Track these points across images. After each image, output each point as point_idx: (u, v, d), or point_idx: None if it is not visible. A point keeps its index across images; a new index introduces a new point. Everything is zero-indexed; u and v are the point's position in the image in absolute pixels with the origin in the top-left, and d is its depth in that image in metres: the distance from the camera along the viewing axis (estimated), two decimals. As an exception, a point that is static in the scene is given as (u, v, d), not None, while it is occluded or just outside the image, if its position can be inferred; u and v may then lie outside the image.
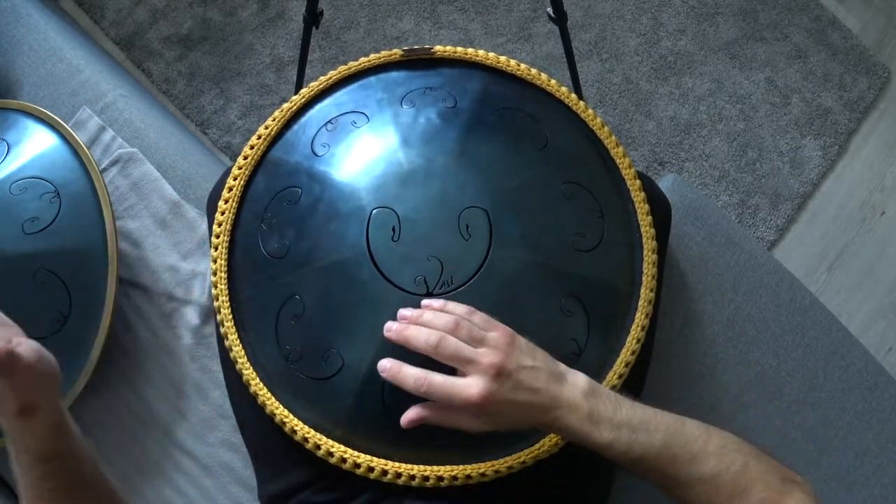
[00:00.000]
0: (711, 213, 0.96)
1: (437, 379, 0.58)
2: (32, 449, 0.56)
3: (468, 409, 0.57)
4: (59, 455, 0.58)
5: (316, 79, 0.79)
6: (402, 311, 0.63)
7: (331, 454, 0.67)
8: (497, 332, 0.59)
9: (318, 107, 0.78)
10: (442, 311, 0.62)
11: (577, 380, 0.59)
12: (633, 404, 0.60)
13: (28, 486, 0.57)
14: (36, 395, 0.58)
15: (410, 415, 0.60)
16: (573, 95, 0.78)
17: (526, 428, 0.60)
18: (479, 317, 0.62)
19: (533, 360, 0.59)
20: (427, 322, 0.60)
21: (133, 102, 1.05)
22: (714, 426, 0.60)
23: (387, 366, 0.60)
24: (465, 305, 0.63)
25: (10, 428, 0.57)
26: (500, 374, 0.57)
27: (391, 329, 0.61)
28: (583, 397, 0.58)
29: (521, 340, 0.60)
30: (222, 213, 0.75)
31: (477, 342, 0.59)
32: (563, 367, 0.61)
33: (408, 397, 0.66)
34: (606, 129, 0.77)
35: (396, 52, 0.78)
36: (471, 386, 0.56)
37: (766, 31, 1.61)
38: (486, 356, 0.57)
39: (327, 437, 0.68)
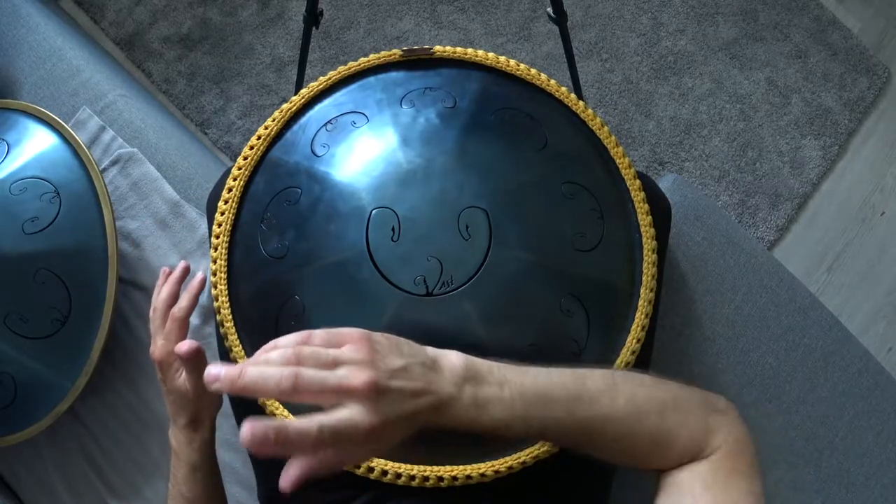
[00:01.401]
0: (711, 213, 0.96)
1: (308, 373, 0.45)
2: (188, 459, 0.70)
3: (367, 438, 0.46)
4: (206, 468, 0.72)
5: (316, 79, 0.79)
6: (211, 370, 0.45)
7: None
8: (349, 344, 0.48)
9: (318, 107, 0.78)
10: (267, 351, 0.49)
11: (452, 362, 0.51)
12: (521, 372, 0.52)
13: (179, 483, 0.71)
14: (205, 410, 0.72)
15: (290, 477, 0.48)
16: (573, 95, 0.78)
17: (413, 433, 0.50)
18: (317, 336, 0.49)
19: (401, 357, 0.49)
20: (258, 363, 0.46)
21: (133, 102, 1.05)
22: (620, 371, 0.53)
23: (217, 373, 0.44)
24: (294, 334, 0.49)
25: (178, 439, 0.71)
26: (378, 389, 0.46)
27: (217, 378, 0.44)
28: (463, 381, 0.50)
29: (377, 337, 0.49)
30: (222, 214, 0.75)
31: (331, 366, 0.47)
32: (430, 350, 0.52)
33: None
34: (606, 129, 0.77)
35: (396, 53, 0.78)
36: (360, 418, 0.45)
37: (766, 31, 1.61)
38: (355, 377, 0.46)
39: (327, 437, 0.68)
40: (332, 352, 0.47)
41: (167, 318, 0.75)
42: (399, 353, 0.49)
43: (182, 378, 0.72)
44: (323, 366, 0.46)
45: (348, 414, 0.45)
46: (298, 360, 0.46)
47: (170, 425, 0.74)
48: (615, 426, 0.52)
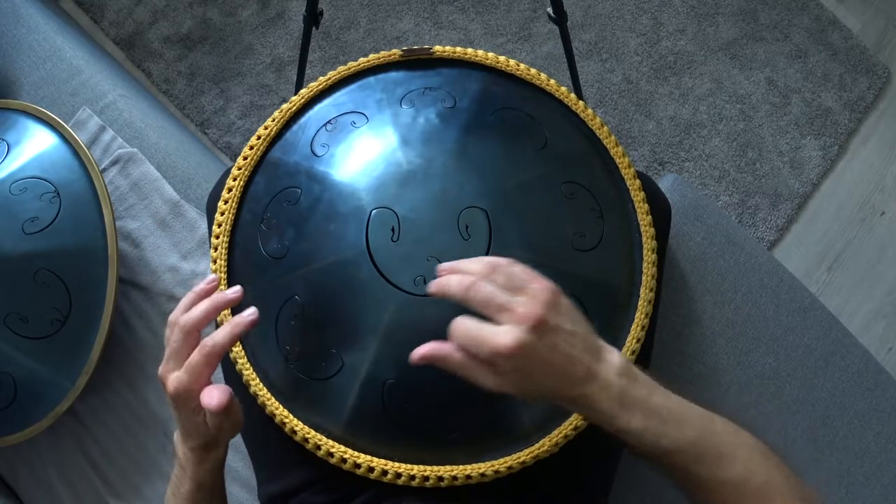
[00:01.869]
0: (711, 213, 0.96)
1: (468, 321, 0.51)
2: (196, 476, 0.63)
3: (495, 360, 0.50)
4: (214, 486, 0.65)
5: (316, 79, 0.79)
6: (441, 265, 0.56)
7: (331, 454, 0.67)
8: (539, 285, 0.52)
9: (318, 107, 0.78)
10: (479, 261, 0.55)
11: (613, 357, 0.53)
12: (666, 392, 0.53)
13: (182, 497, 0.64)
14: (224, 435, 0.62)
15: (423, 350, 0.53)
16: (573, 95, 0.78)
17: (543, 400, 0.53)
18: (520, 268, 0.53)
19: (573, 325, 0.52)
20: (462, 269, 0.54)
21: (133, 102, 1.05)
22: (742, 428, 0.55)
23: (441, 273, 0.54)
24: (506, 258, 0.55)
25: (186, 456, 0.63)
26: (537, 327, 0.49)
27: (431, 285, 0.54)
28: (617, 376, 0.51)
29: (565, 300, 0.52)
30: (222, 214, 0.75)
31: (516, 291, 0.51)
32: (599, 340, 0.54)
33: (407, 398, 0.66)
34: (606, 129, 0.77)
35: (396, 53, 0.78)
36: (502, 334, 0.49)
37: (766, 31, 1.61)
38: (524, 305, 0.50)
39: (327, 437, 0.68)
40: (522, 282, 0.52)
41: (191, 342, 0.59)
42: (574, 321, 0.52)
43: (202, 416, 0.59)
44: (508, 287, 0.51)
45: (499, 328, 0.50)
46: (491, 273, 0.52)
47: (176, 435, 0.64)
48: (729, 471, 0.52)
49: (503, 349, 0.49)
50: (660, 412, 0.52)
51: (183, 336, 0.58)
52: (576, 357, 0.51)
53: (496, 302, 0.51)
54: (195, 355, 0.57)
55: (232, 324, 0.59)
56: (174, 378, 0.57)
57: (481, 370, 0.51)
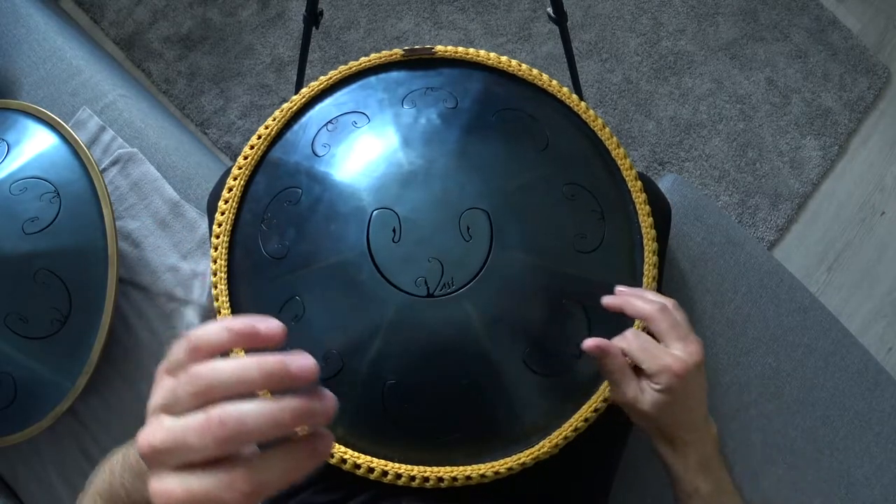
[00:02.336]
0: (711, 213, 0.96)
1: (644, 335, 0.58)
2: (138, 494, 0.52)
3: (658, 374, 0.55)
4: None
5: (316, 79, 0.79)
6: (621, 288, 0.63)
7: (331, 455, 0.67)
8: (697, 340, 0.58)
9: (319, 107, 0.78)
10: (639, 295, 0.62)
11: (712, 425, 0.61)
12: (725, 471, 0.60)
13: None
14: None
15: (596, 342, 0.58)
16: (574, 96, 0.78)
17: (658, 428, 0.59)
18: (683, 315, 0.60)
19: (704, 383, 0.59)
20: (646, 296, 0.61)
21: (133, 102, 1.05)
22: None
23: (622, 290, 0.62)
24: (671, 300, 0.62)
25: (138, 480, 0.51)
26: (699, 364, 0.56)
27: (614, 298, 0.62)
28: (713, 438, 0.59)
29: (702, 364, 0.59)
30: (222, 214, 0.75)
31: (675, 339, 0.57)
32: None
33: (408, 398, 0.66)
34: (607, 130, 0.77)
35: (397, 52, 0.78)
36: (677, 355, 0.55)
37: (766, 31, 1.61)
38: (695, 343, 0.57)
39: (327, 437, 0.68)
40: (687, 329, 0.58)
41: (210, 395, 0.35)
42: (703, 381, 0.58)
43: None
44: (672, 330, 0.57)
45: (676, 353, 0.56)
46: (672, 310, 0.58)
47: (130, 452, 0.52)
48: None
49: (675, 367, 0.55)
50: (718, 486, 0.59)
51: (203, 386, 0.35)
52: (704, 405, 0.59)
53: (681, 330, 0.57)
54: (233, 429, 0.34)
55: (316, 408, 0.36)
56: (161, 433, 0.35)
57: (631, 381, 0.58)
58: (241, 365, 0.34)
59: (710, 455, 0.59)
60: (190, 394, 0.34)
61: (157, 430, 0.35)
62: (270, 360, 0.34)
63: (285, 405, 0.34)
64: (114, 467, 0.53)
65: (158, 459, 0.35)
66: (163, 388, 0.36)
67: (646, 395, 0.57)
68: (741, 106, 1.57)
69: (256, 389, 0.34)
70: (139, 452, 0.35)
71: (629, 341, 0.58)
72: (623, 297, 0.61)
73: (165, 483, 0.34)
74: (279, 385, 0.34)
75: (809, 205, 1.56)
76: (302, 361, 0.35)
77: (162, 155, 1.01)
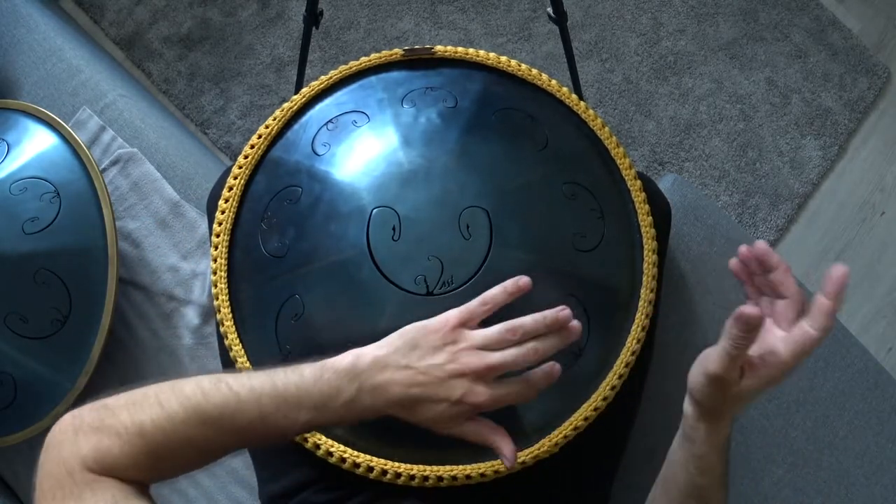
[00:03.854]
0: (711, 213, 0.96)
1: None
2: (345, 419, 0.57)
3: (770, 366, 0.54)
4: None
5: (316, 79, 0.79)
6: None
7: (330, 454, 0.67)
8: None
9: (319, 106, 0.78)
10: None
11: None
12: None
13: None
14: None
15: (759, 311, 0.52)
16: (574, 96, 0.78)
17: (716, 409, 0.58)
18: None
19: None
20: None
21: (133, 102, 1.05)
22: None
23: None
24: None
25: (357, 406, 0.56)
26: None
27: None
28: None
29: None
30: (222, 213, 0.75)
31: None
32: None
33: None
34: (607, 129, 0.77)
35: (397, 52, 0.78)
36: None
37: (766, 31, 1.61)
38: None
39: (327, 436, 0.68)
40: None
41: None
42: None
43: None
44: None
45: None
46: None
47: (288, 384, 0.55)
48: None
49: (791, 365, 0.54)
50: (726, 467, 0.60)
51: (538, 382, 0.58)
52: None
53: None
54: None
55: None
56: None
57: (742, 359, 0.55)
58: (538, 318, 0.57)
59: (727, 439, 0.59)
60: (513, 337, 0.57)
61: (488, 356, 0.56)
62: (550, 316, 0.57)
63: (562, 337, 0.58)
64: (236, 392, 0.54)
65: (483, 375, 0.56)
66: (479, 334, 0.57)
67: (753, 374, 0.54)
68: (741, 106, 1.57)
69: (546, 331, 0.57)
70: (472, 368, 0.55)
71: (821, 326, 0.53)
72: (776, 261, 0.57)
73: (477, 389, 0.56)
74: (556, 329, 0.57)
75: (809, 205, 1.56)
76: (576, 323, 0.58)
77: (162, 155, 1.01)
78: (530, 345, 0.57)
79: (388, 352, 0.57)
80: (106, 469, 0.52)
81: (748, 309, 0.50)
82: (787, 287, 0.57)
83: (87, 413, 0.54)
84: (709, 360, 0.54)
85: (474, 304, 0.59)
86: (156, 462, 0.53)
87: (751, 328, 0.51)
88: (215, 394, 0.54)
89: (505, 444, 0.58)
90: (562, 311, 0.57)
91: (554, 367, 0.58)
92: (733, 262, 0.61)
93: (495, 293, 0.59)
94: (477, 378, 0.56)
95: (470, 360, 0.56)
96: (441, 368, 0.56)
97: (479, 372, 0.56)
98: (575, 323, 0.58)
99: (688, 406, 0.59)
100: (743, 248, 0.59)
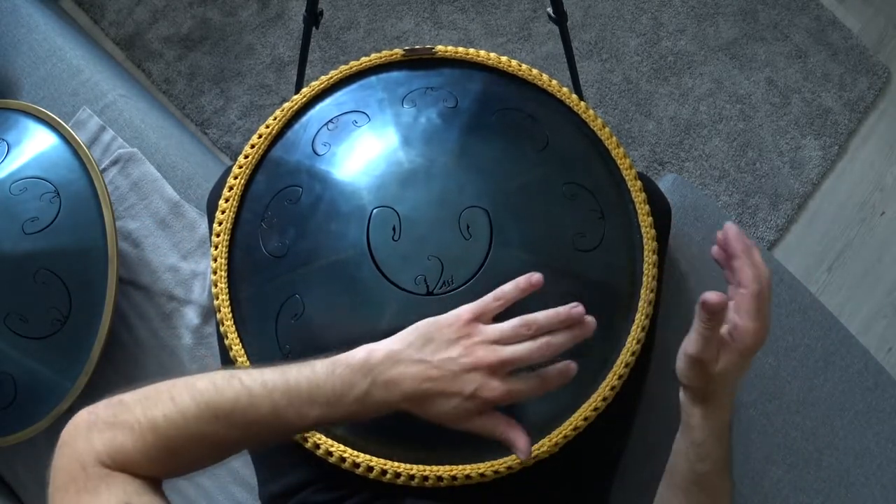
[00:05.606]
0: (711, 213, 0.96)
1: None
2: (357, 415, 0.57)
3: (739, 339, 0.57)
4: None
5: (316, 79, 0.79)
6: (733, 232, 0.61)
7: (330, 454, 0.67)
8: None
9: (319, 106, 0.78)
10: None
11: (734, 398, 0.64)
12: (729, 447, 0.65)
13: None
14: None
15: (723, 297, 0.56)
16: (574, 96, 0.78)
17: (704, 392, 0.61)
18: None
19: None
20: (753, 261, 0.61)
21: (133, 102, 1.05)
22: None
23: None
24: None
25: (383, 400, 0.56)
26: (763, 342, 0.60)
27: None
28: (730, 412, 0.63)
29: None
30: (222, 213, 0.75)
31: None
32: None
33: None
34: (607, 129, 0.77)
35: (397, 52, 0.78)
36: (764, 325, 0.58)
37: (766, 31, 1.61)
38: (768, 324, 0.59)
39: (326, 436, 0.68)
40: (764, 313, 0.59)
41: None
42: None
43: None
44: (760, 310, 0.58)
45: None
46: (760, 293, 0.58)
47: (298, 380, 0.55)
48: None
49: (761, 334, 0.58)
50: (726, 455, 0.63)
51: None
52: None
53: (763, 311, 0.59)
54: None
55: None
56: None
57: (716, 339, 0.58)
58: (551, 314, 0.57)
59: (726, 425, 0.61)
60: (527, 332, 0.57)
61: (502, 350, 0.56)
62: (563, 312, 0.57)
63: (575, 333, 0.58)
64: (248, 387, 0.54)
65: (497, 370, 0.56)
66: (493, 329, 0.57)
67: (724, 354, 0.58)
68: (741, 106, 1.57)
69: (559, 327, 0.57)
70: (486, 362, 0.55)
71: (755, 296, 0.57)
72: (741, 248, 0.59)
73: (492, 384, 0.55)
74: (570, 325, 0.58)
75: (809, 205, 1.55)
76: (590, 318, 0.58)
77: (162, 155, 1.01)
78: (543, 339, 0.57)
79: (401, 346, 0.57)
80: (119, 464, 0.52)
81: (709, 296, 0.55)
82: (743, 276, 0.58)
83: (102, 409, 0.55)
84: (687, 344, 0.59)
85: (488, 298, 0.59)
86: (169, 457, 0.53)
87: (713, 313, 0.55)
88: (227, 389, 0.54)
89: (519, 438, 0.57)
90: (575, 308, 0.57)
91: (570, 365, 0.58)
92: (714, 250, 0.62)
93: (508, 289, 0.59)
94: (491, 372, 0.56)
95: (484, 353, 0.56)
96: (455, 362, 0.55)
97: (493, 366, 0.56)
98: (589, 319, 0.58)
99: (681, 393, 0.62)
100: (719, 234, 0.60)
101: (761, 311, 0.57)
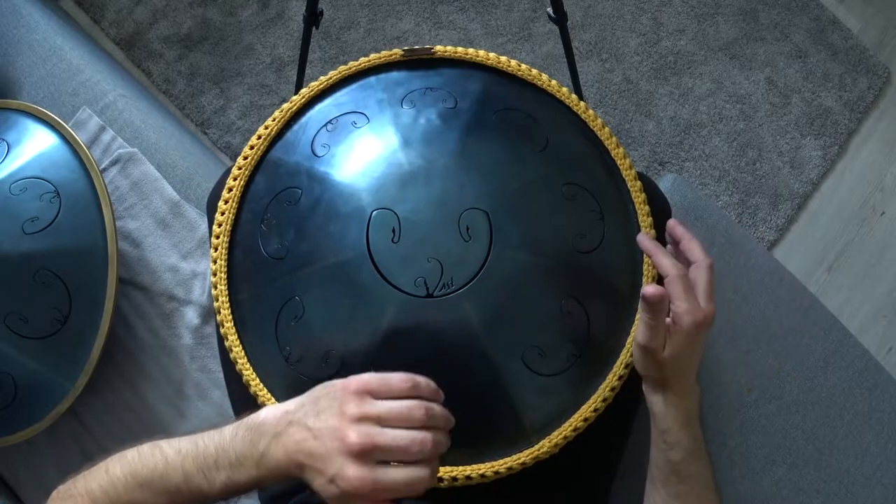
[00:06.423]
0: (711, 213, 0.96)
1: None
2: (262, 481, 0.55)
3: (679, 321, 0.61)
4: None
5: (316, 79, 0.79)
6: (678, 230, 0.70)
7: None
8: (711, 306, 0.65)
9: (319, 107, 0.78)
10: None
11: (699, 388, 0.68)
12: (702, 433, 0.67)
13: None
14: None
15: (660, 289, 0.60)
16: (574, 96, 0.78)
17: (660, 381, 0.64)
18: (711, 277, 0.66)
19: (703, 345, 0.67)
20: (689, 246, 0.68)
21: (133, 102, 1.05)
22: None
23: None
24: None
25: (278, 469, 0.54)
26: (708, 324, 0.62)
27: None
28: (697, 402, 0.68)
29: None
30: (222, 214, 0.75)
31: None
32: None
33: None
34: (607, 130, 0.77)
35: (397, 52, 0.78)
36: (699, 306, 0.62)
37: (766, 31, 1.61)
38: (710, 307, 0.63)
39: (327, 437, 0.68)
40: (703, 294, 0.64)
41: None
42: None
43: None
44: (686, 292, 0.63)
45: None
46: (682, 277, 0.63)
47: (205, 447, 0.56)
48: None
49: (696, 314, 0.61)
50: (697, 441, 0.65)
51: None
52: (698, 365, 0.66)
53: (693, 294, 0.63)
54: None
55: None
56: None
57: (663, 328, 0.62)
58: (442, 411, 0.53)
59: (693, 414, 0.64)
60: (421, 417, 0.51)
61: (380, 434, 0.49)
62: (441, 412, 0.53)
63: (446, 438, 0.53)
64: (165, 455, 0.57)
65: (369, 454, 0.49)
66: (383, 405, 0.51)
67: (670, 340, 0.62)
68: (741, 106, 1.57)
69: (443, 425, 0.53)
70: (350, 443, 0.49)
71: (676, 280, 0.62)
72: (680, 233, 0.68)
73: (349, 471, 0.48)
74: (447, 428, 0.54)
75: (809, 205, 1.56)
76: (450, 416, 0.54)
77: (162, 155, 1.01)
78: (430, 434, 0.51)
79: (295, 407, 0.53)
80: None
81: (647, 289, 0.59)
82: (692, 253, 0.66)
83: (63, 484, 0.61)
84: (637, 334, 0.63)
85: (394, 377, 0.53)
86: None
87: (651, 304, 0.59)
88: (149, 458, 0.57)
89: None
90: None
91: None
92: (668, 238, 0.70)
93: (423, 385, 0.54)
94: (355, 457, 0.49)
95: (354, 434, 0.49)
96: (333, 435, 0.50)
97: (363, 449, 0.49)
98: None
99: (643, 384, 0.66)
100: (669, 222, 0.70)
101: (688, 292, 0.61)
